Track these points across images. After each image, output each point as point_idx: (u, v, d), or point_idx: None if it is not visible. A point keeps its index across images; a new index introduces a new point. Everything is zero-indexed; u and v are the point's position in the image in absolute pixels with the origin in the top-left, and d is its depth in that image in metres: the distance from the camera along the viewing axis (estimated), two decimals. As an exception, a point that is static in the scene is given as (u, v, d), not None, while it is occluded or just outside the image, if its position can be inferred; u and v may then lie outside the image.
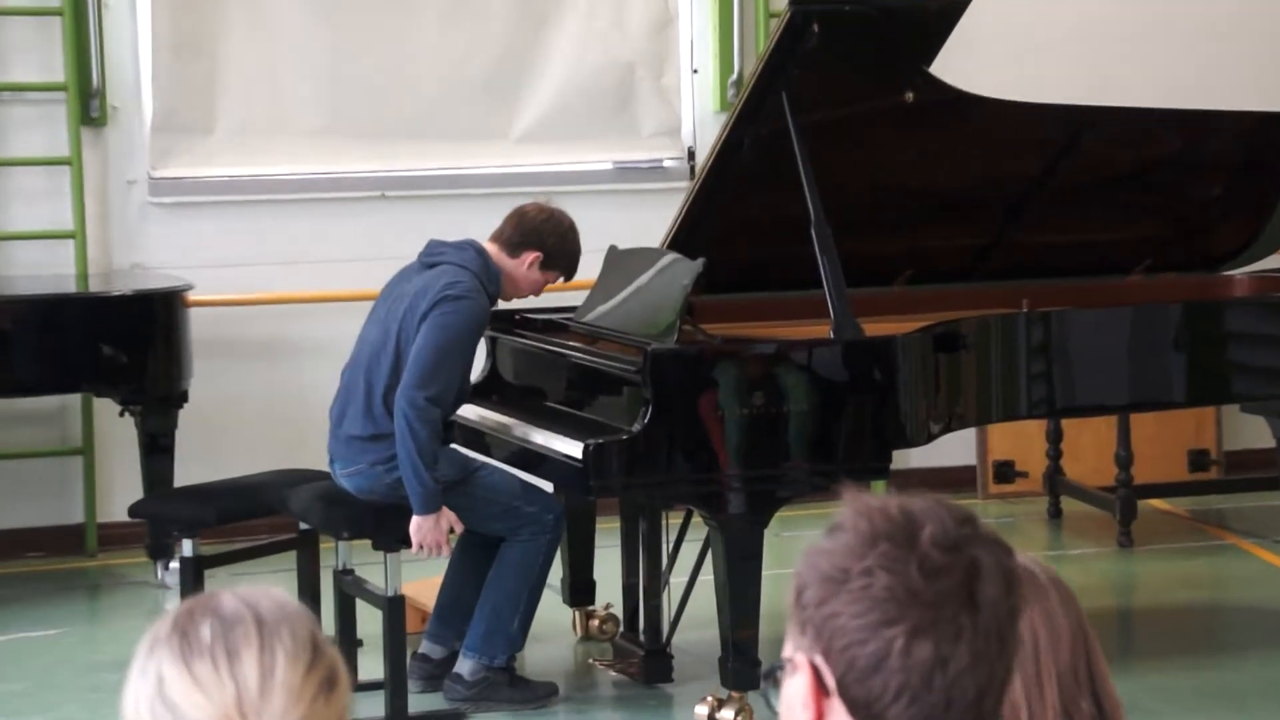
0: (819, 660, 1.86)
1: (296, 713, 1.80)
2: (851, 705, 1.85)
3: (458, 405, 6.39)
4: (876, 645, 1.84)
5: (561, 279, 6.58)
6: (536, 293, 6.58)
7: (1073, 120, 6.96)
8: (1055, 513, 9.03)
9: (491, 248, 6.48)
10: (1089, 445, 9.09)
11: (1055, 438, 8.90)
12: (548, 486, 6.63)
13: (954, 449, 8.78)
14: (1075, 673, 2.46)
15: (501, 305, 7.69)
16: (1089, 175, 7.11)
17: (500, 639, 6.39)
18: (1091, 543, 8.64)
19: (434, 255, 6.43)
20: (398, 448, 6.15)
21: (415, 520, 6.17)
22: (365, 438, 6.34)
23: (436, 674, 6.56)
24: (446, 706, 6.43)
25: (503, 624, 6.38)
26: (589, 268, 6.91)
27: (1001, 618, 1.87)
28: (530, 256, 6.48)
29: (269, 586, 1.89)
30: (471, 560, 6.59)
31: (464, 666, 6.41)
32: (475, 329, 6.30)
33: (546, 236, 6.49)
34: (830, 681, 1.86)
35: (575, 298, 6.99)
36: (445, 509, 6.22)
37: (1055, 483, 8.98)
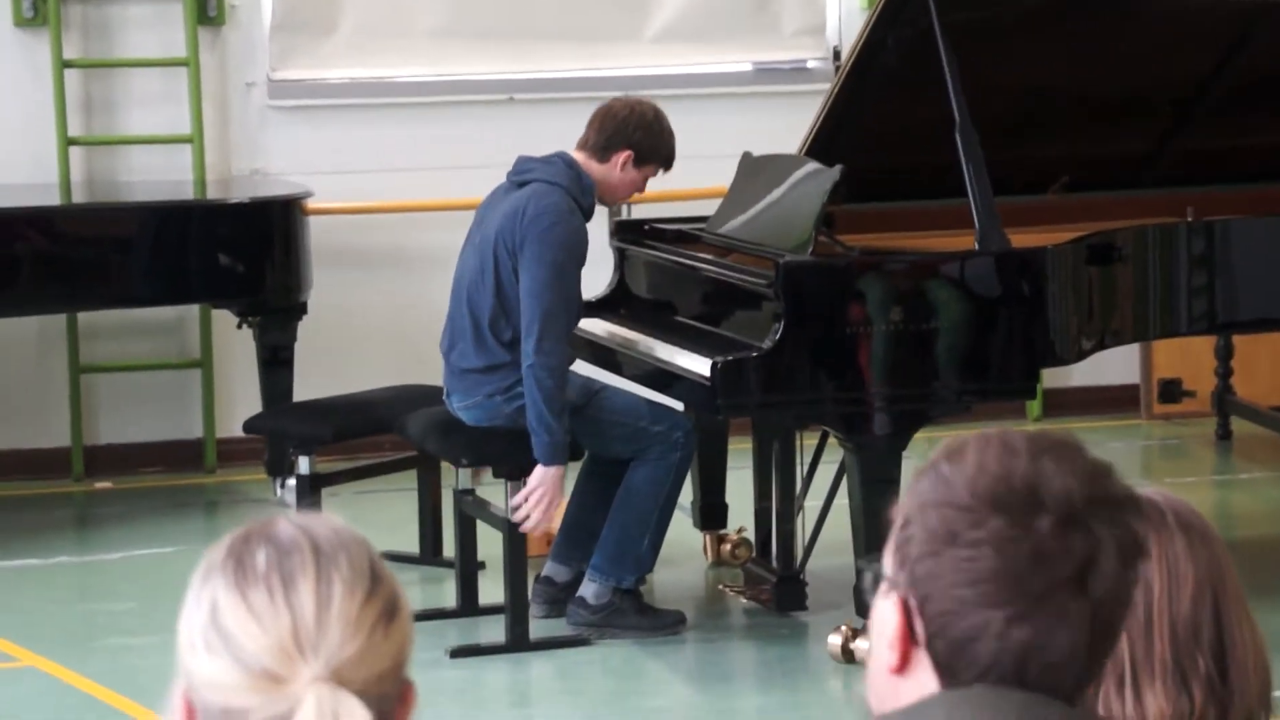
0: (914, 605, 1.84)
1: (354, 644, 1.76)
2: (937, 665, 1.84)
3: (574, 323, 6.24)
4: (973, 621, 1.81)
5: (661, 171, 6.34)
6: (640, 190, 6.37)
7: (1242, 16, 6.71)
8: (1225, 434, 8.72)
9: (580, 156, 6.26)
10: (1263, 362, 8.79)
11: (1225, 355, 8.59)
12: (677, 405, 6.45)
13: (1116, 366, 8.54)
14: (1195, 626, 2.31)
15: (630, 214, 7.46)
16: (1260, 75, 6.85)
17: (629, 560, 6.22)
18: (1263, 467, 8.36)
19: (523, 173, 6.23)
20: (525, 397, 6.04)
21: (538, 472, 6.06)
22: (479, 369, 6.22)
23: (560, 598, 6.40)
24: (570, 632, 6.27)
25: (631, 545, 6.22)
26: (724, 175, 6.73)
27: (1112, 606, 1.83)
28: (621, 156, 6.24)
29: (327, 513, 1.84)
30: (598, 482, 6.44)
31: (588, 590, 6.26)
32: (573, 255, 6.10)
33: (633, 131, 6.25)
34: (920, 632, 1.84)
35: (708, 207, 6.79)
36: (561, 471, 6.07)
37: (1225, 402, 8.67)
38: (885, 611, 1.86)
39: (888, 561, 1.88)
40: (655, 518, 6.22)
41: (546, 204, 6.09)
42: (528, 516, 6.07)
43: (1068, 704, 1.83)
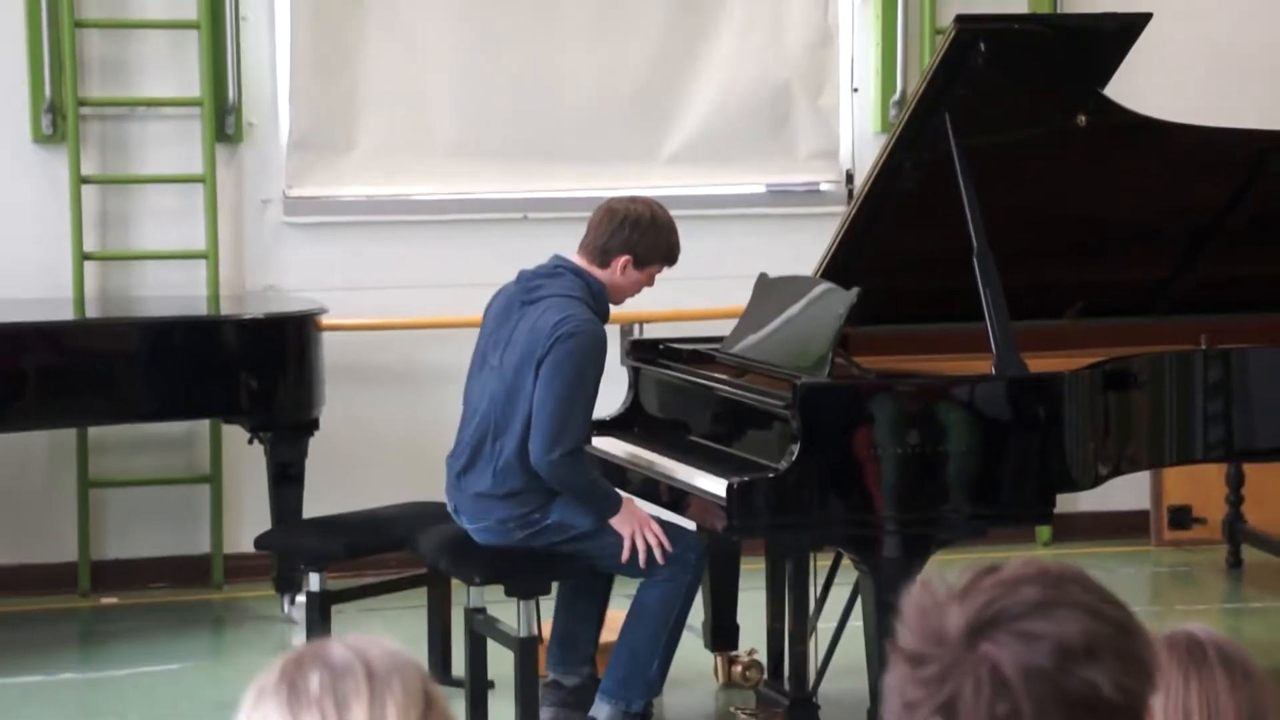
0: None
1: None
2: None
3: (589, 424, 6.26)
4: None
5: (665, 268, 6.33)
6: (649, 285, 6.34)
7: (1259, 145, 6.72)
8: (1235, 562, 8.69)
9: (582, 260, 6.26)
10: (1274, 489, 8.76)
11: (1236, 482, 8.59)
12: (690, 525, 6.42)
13: (1126, 492, 8.50)
14: None
15: (644, 333, 7.45)
16: (1276, 205, 6.84)
17: (638, 684, 6.19)
18: (1275, 595, 8.32)
19: (533, 291, 6.22)
20: (559, 487, 6.11)
21: (617, 523, 6.13)
22: (496, 496, 6.21)
23: (570, 700, 6.38)
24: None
25: (641, 668, 6.18)
26: (737, 295, 6.71)
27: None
28: (620, 261, 6.24)
29: (379, 636, 1.84)
30: (584, 595, 6.44)
31: (601, 711, 6.22)
32: (595, 362, 6.10)
33: (629, 235, 6.23)
34: None
35: (723, 327, 6.79)
36: (630, 499, 6.17)
37: (1236, 530, 8.64)
38: None
39: None
40: (665, 639, 6.18)
41: (568, 314, 6.08)
42: (649, 553, 6.09)
43: None
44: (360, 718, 1.76)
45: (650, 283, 6.33)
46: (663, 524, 6.26)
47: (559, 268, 6.22)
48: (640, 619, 6.18)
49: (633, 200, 6.31)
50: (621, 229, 6.22)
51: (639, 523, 6.13)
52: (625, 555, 6.09)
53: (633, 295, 6.35)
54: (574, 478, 6.06)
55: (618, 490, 6.23)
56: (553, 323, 6.06)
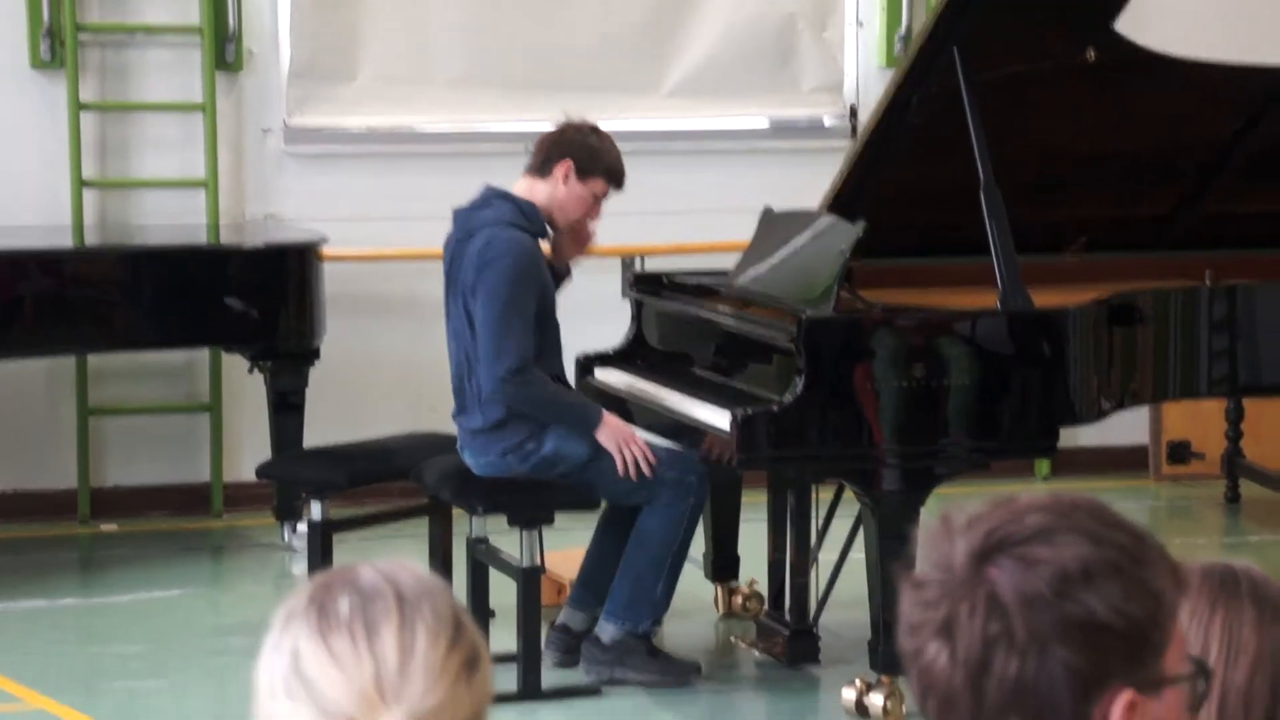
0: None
1: (437, 694, 1.74)
2: None
3: (554, 345, 6.22)
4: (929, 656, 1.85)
5: (612, 189, 6.30)
6: (591, 212, 6.31)
7: (1268, 81, 6.70)
8: (1233, 497, 8.71)
9: (523, 183, 6.27)
10: (1272, 425, 8.77)
11: (1235, 417, 8.61)
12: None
13: (1125, 428, 8.50)
14: (1248, 698, 2.26)
15: (645, 266, 7.44)
16: (1281, 141, 6.87)
17: (643, 605, 6.21)
18: (1272, 530, 8.35)
19: (466, 227, 6.23)
20: (526, 407, 6.11)
21: (600, 437, 6.12)
22: (488, 429, 6.22)
23: (575, 645, 6.38)
24: (583, 680, 6.24)
25: (645, 591, 6.20)
26: (739, 229, 6.70)
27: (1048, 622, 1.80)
28: (561, 169, 6.24)
29: (407, 560, 1.82)
30: (616, 531, 6.42)
31: (604, 631, 6.24)
32: (525, 275, 6.09)
33: (568, 142, 6.26)
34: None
35: (726, 261, 6.77)
36: (612, 415, 6.17)
37: (1234, 465, 8.66)
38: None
39: None
40: (669, 563, 6.20)
41: (491, 238, 6.10)
42: (638, 468, 6.10)
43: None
44: (390, 641, 1.74)
45: (596, 206, 6.28)
46: (660, 449, 6.25)
47: (488, 197, 6.24)
48: (643, 545, 6.19)
49: (579, 120, 6.36)
50: (562, 135, 6.26)
51: (623, 437, 6.12)
52: (620, 471, 6.09)
53: (577, 215, 6.28)
54: (530, 394, 6.06)
55: (595, 404, 6.22)
56: (477, 250, 6.09)
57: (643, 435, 6.36)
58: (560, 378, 6.27)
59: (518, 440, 6.16)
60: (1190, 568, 2.29)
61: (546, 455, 6.16)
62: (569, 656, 6.34)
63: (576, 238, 6.35)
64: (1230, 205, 6.96)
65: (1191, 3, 8.93)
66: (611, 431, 6.12)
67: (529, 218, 6.17)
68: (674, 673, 6.25)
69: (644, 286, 6.82)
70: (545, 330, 6.17)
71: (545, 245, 6.29)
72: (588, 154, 6.22)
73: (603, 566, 6.40)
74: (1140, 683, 1.82)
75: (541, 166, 6.23)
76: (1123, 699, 1.81)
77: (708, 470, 6.32)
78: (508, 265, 6.05)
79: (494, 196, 6.22)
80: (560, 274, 6.42)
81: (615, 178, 6.27)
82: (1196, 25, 8.76)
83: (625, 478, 6.16)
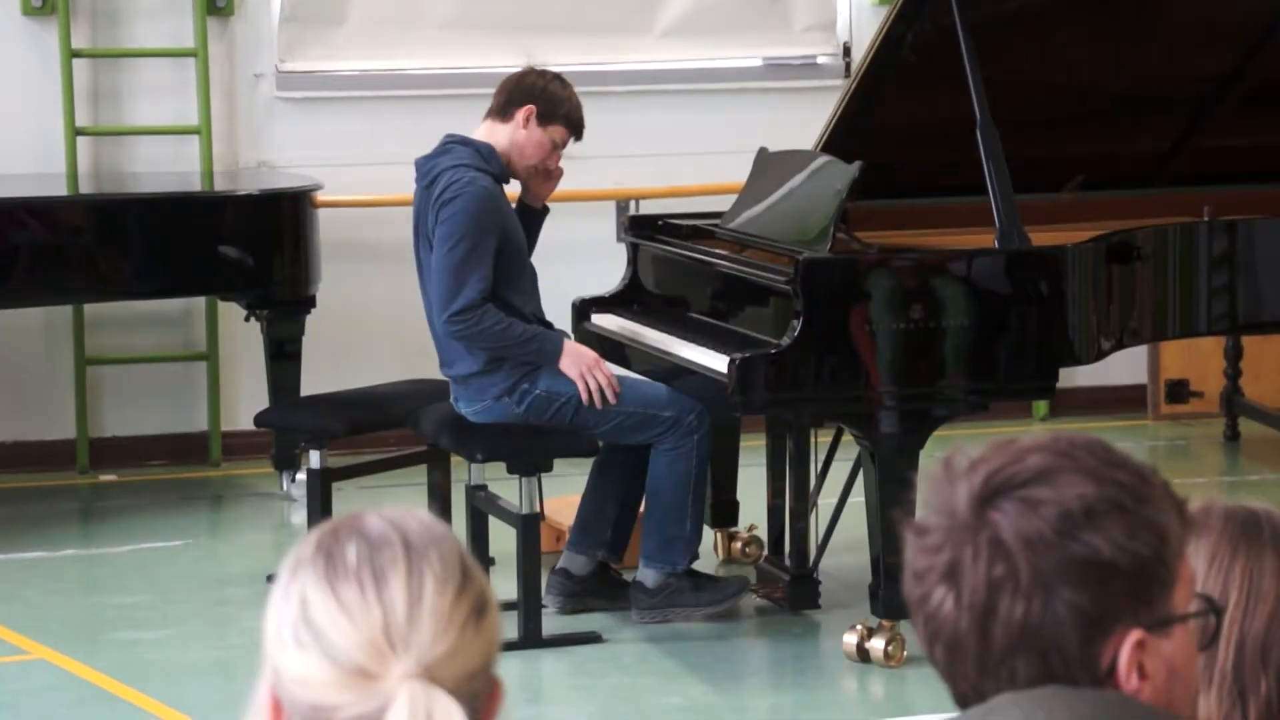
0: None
1: (445, 641, 1.73)
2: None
3: (530, 285, 6.21)
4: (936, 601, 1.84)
5: (572, 138, 6.29)
6: (550, 158, 6.29)
7: (1267, 13, 6.66)
8: (1233, 435, 8.70)
9: (484, 126, 6.28)
10: (1271, 363, 8.77)
11: (1234, 355, 8.59)
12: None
13: (1124, 367, 8.50)
14: (1266, 646, 2.24)
15: (640, 209, 7.41)
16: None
17: (676, 546, 6.21)
18: (1271, 468, 8.34)
19: (427, 175, 6.24)
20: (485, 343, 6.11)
21: (563, 365, 6.10)
22: (478, 374, 6.21)
23: (577, 590, 6.38)
24: (585, 627, 6.22)
25: (675, 531, 6.21)
26: (732, 170, 6.67)
27: (1047, 557, 1.80)
28: (522, 113, 6.23)
29: (414, 508, 1.80)
30: (613, 474, 6.42)
31: (646, 576, 6.24)
32: (482, 214, 6.08)
33: (530, 87, 6.26)
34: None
35: (721, 203, 6.74)
36: (573, 342, 6.18)
37: (1233, 403, 8.65)
38: None
39: None
40: (691, 500, 6.19)
41: (446, 184, 6.10)
42: (603, 396, 6.09)
43: (1082, 667, 1.80)
44: (398, 589, 1.73)
45: (555, 153, 6.27)
46: (661, 388, 6.24)
47: (446, 144, 6.24)
48: (658, 491, 6.20)
49: (542, 67, 6.36)
50: (525, 79, 6.27)
51: (586, 364, 6.11)
52: (584, 398, 6.07)
53: (535, 160, 6.26)
54: (480, 331, 6.04)
55: (553, 331, 6.19)
56: (436, 196, 6.10)
57: (637, 375, 6.36)
58: (540, 317, 6.25)
59: (510, 383, 6.15)
60: (1213, 509, 2.28)
61: (541, 394, 6.15)
62: (570, 600, 6.34)
63: (547, 176, 6.34)
64: (1229, 139, 6.93)
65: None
66: (574, 359, 6.11)
67: (486, 159, 6.17)
68: (725, 595, 6.26)
69: (639, 230, 6.79)
70: (518, 271, 6.16)
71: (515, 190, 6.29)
72: (550, 100, 6.23)
73: (599, 509, 6.40)
74: (1148, 622, 1.81)
75: (503, 109, 6.24)
76: (1131, 638, 1.81)
77: (707, 407, 6.31)
78: (461, 207, 6.05)
79: (452, 142, 6.22)
80: (539, 213, 6.41)
81: (575, 126, 6.27)
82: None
83: (627, 415, 6.15)
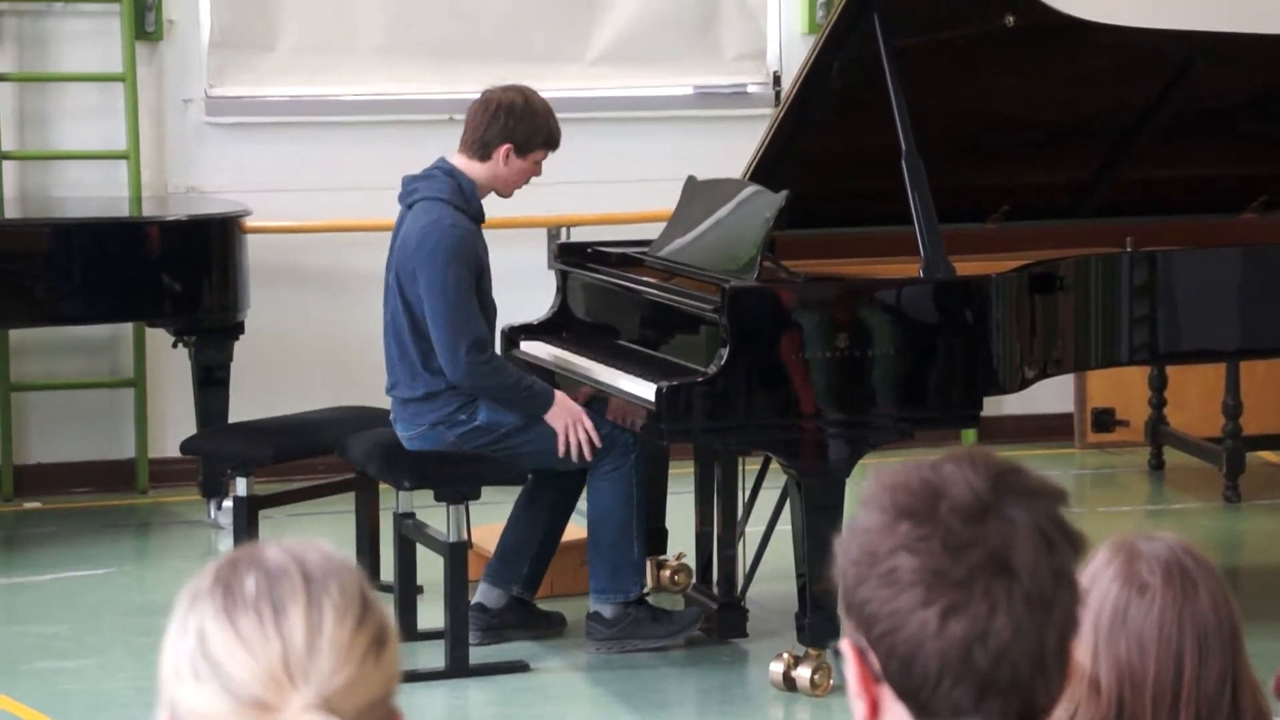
0: (864, 645, 1.86)
1: (345, 672, 1.73)
2: (899, 692, 1.84)
3: (492, 320, 6.25)
4: (911, 628, 1.82)
5: (549, 153, 6.30)
6: (536, 174, 6.32)
7: (1186, 46, 6.70)
8: (1157, 464, 8.74)
9: (461, 158, 6.25)
10: (1195, 393, 8.79)
11: (1159, 385, 8.63)
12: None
13: (1050, 396, 8.54)
14: (1217, 701, 2.37)
15: (571, 237, 7.41)
16: (1202, 106, 6.86)
17: (627, 572, 6.24)
18: (1195, 497, 8.38)
19: (409, 195, 6.25)
20: (483, 398, 6.12)
21: (550, 419, 6.12)
22: (419, 399, 6.22)
23: (494, 624, 6.38)
24: (510, 656, 6.20)
25: (624, 556, 6.23)
26: (663, 198, 6.70)
27: (1044, 580, 1.82)
28: (501, 151, 6.22)
29: (315, 539, 1.81)
30: (536, 508, 6.43)
31: (603, 608, 6.26)
32: (460, 260, 6.08)
33: (504, 124, 6.21)
34: (876, 665, 1.85)
35: (651, 230, 6.77)
36: (562, 395, 6.18)
37: (1158, 432, 8.69)
38: (848, 673, 1.89)
39: (842, 618, 1.91)
40: (634, 522, 6.21)
41: (426, 224, 6.10)
42: (580, 450, 6.11)
43: (1031, 697, 1.83)
44: (297, 621, 1.73)
45: (537, 171, 6.30)
46: (594, 414, 6.25)
47: (435, 169, 6.24)
48: (602, 515, 6.21)
49: (505, 89, 6.30)
50: (497, 118, 6.20)
51: (573, 418, 6.13)
52: (561, 450, 6.10)
53: (521, 185, 6.31)
54: (491, 377, 6.06)
55: (547, 385, 6.23)
56: (416, 233, 6.09)
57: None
58: None
59: (449, 411, 6.15)
60: (1147, 555, 2.32)
61: (480, 425, 6.16)
62: (489, 635, 6.33)
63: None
64: (1151, 170, 6.97)
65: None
66: (561, 411, 6.13)
67: (467, 199, 6.16)
68: (682, 626, 6.30)
69: (568, 257, 6.80)
70: (484, 308, 6.17)
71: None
72: (525, 133, 6.21)
73: (522, 544, 6.41)
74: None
75: (481, 150, 6.21)
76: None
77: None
78: (446, 253, 6.04)
79: (438, 170, 6.22)
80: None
81: (553, 142, 6.28)
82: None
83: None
